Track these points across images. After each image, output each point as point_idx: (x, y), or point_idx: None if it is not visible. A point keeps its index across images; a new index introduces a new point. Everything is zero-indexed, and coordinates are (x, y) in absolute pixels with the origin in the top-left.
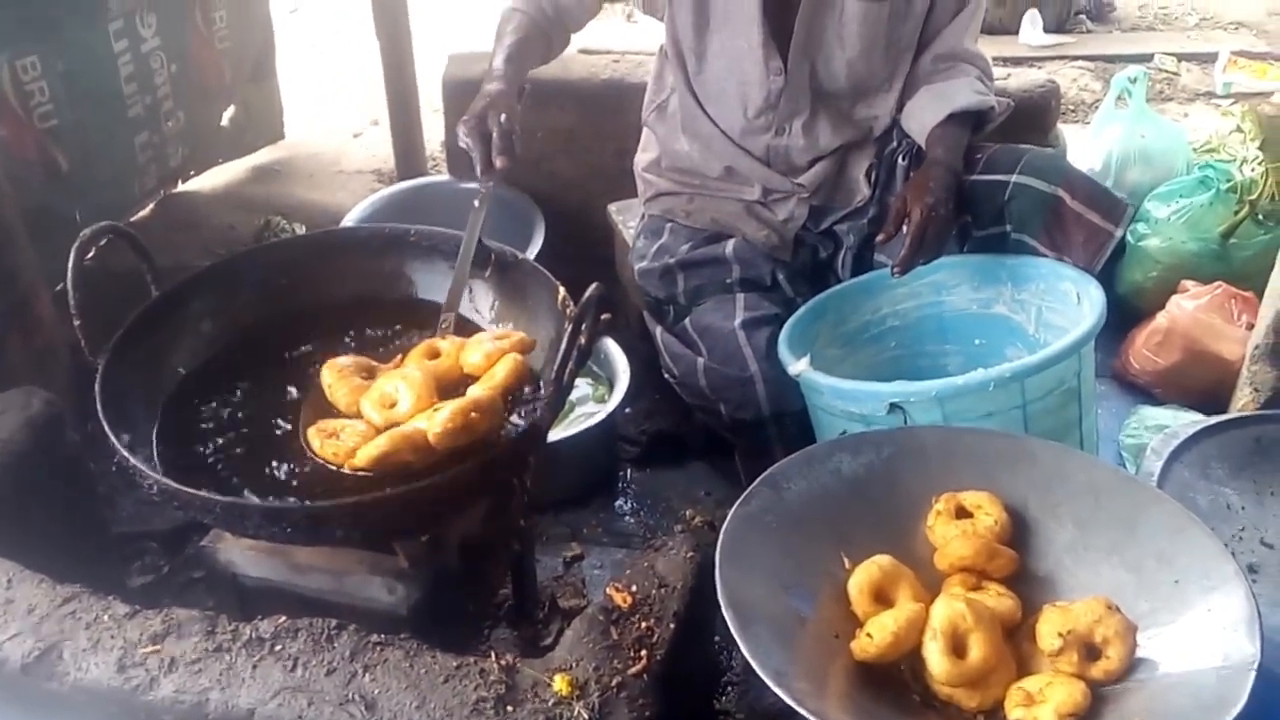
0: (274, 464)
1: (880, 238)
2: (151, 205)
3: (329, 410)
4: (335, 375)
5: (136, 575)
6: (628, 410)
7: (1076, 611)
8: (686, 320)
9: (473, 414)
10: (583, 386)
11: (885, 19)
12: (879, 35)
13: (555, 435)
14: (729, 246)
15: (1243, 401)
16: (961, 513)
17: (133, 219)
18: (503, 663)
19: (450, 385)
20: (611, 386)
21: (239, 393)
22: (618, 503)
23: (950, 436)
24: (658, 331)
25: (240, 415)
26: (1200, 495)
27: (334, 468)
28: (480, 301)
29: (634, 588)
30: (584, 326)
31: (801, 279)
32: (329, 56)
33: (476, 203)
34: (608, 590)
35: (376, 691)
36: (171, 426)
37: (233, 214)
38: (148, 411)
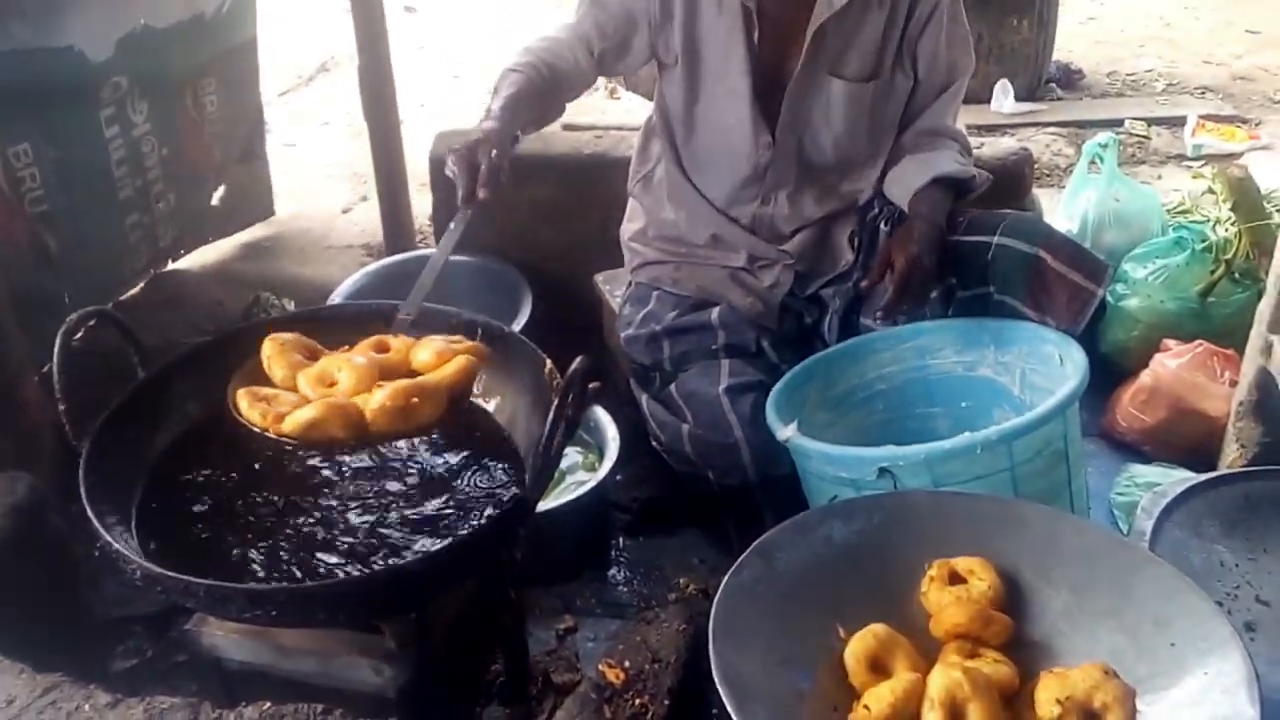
0: (260, 545)
1: (865, 284)
2: (141, 284)
3: (265, 383)
4: (275, 348)
5: (120, 660)
6: (618, 478)
7: (1074, 677)
8: (672, 387)
9: (414, 399)
10: (572, 455)
11: (870, 99)
12: (864, 114)
13: (546, 505)
14: (714, 313)
15: (1230, 458)
16: (955, 578)
17: (122, 298)
18: None
19: (396, 378)
20: (601, 454)
21: (224, 474)
22: (611, 572)
23: (941, 501)
24: (643, 399)
25: (226, 497)
26: (1193, 554)
27: (258, 431)
28: None
29: (626, 663)
30: (571, 399)
31: (786, 346)
32: (318, 134)
33: (453, 224)
34: (600, 667)
35: None
36: (156, 510)
37: (222, 291)
38: (132, 495)
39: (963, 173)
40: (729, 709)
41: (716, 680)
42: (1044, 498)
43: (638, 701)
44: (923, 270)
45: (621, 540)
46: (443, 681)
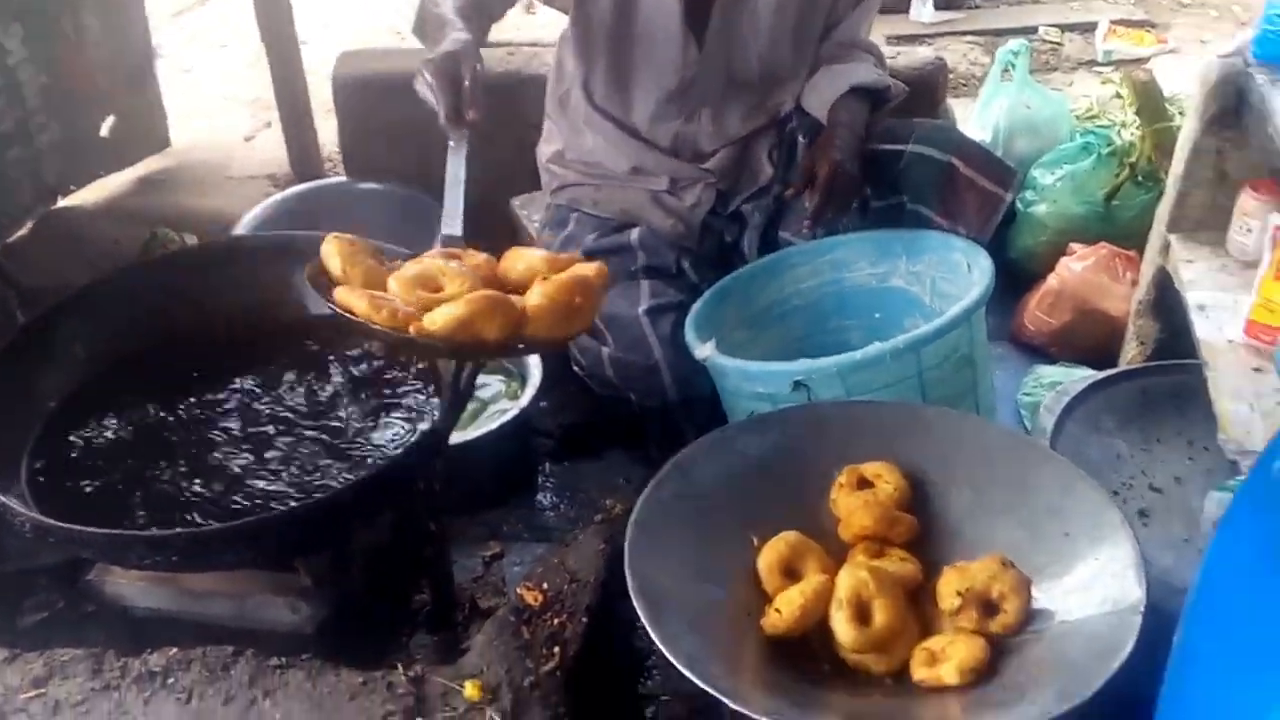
0: (160, 490)
1: (789, 193)
2: (30, 224)
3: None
4: (345, 251)
5: (29, 614)
6: (542, 404)
7: (974, 571)
8: None
9: (578, 297)
10: (494, 384)
11: (794, 9)
12: (788, 25)
13: (469, 434)
14: (634, 235)
15: (1130, 355)
16: (863, 483)
17: (10, 240)
18: (411, 674)
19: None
20: (524, 382)
21: (120, 421)
22: (537, 498)
23: (851, 410)
24: None
25: (121, 444)
26: (1092, 448)
27: (386, 330)
28: None
29: (545, 585)
30: None
31: (706, 265)
32: (216, 57)
33: (452, 143)
34: (518, 590)
35: (278, 717)
36: (49, 459)
37: (117, 228)
38: (20, 444)
39: (879, 83)
40: (644, 621)
41: (632, 594)
42: (951, 401)
43: (556, 621)
44: (846, 176)
45: (547, 466)
46: (363, 615)
